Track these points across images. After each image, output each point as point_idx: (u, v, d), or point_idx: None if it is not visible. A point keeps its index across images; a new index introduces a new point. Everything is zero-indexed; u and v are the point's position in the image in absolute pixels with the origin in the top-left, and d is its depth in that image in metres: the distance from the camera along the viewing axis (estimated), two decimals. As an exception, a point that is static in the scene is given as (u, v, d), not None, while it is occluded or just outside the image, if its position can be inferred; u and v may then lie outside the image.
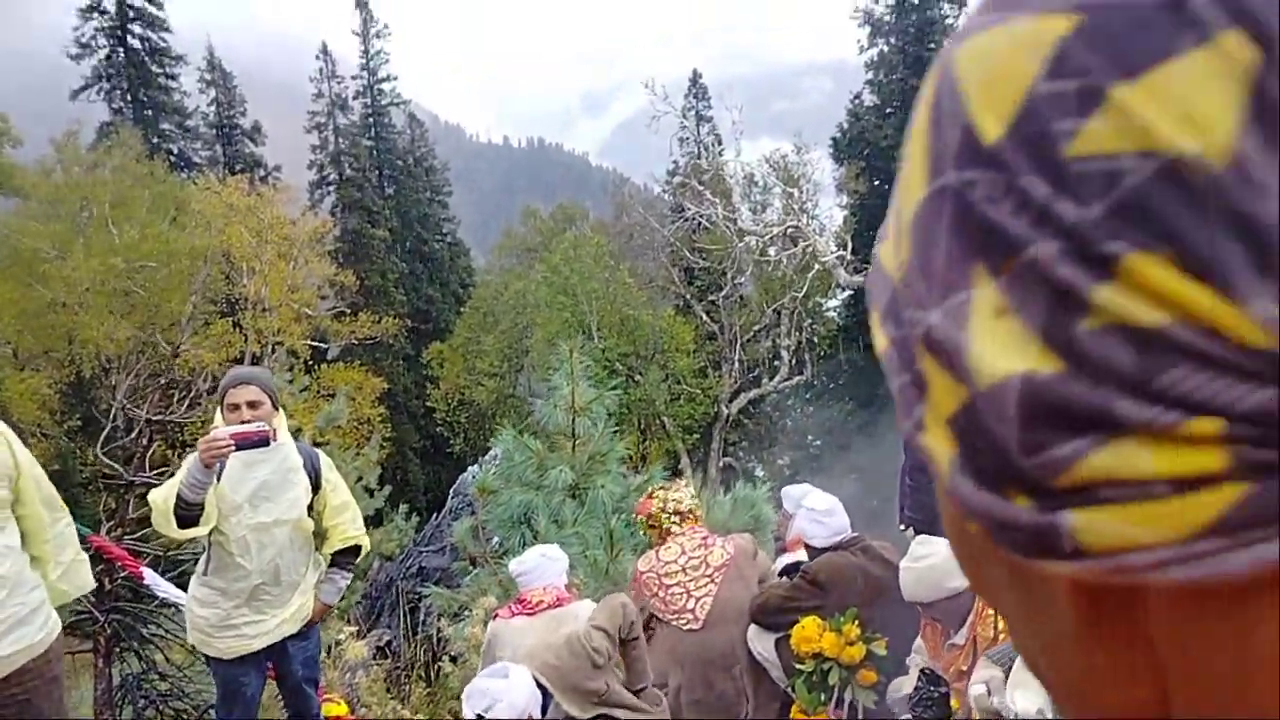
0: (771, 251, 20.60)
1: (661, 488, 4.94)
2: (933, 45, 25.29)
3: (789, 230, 18.31)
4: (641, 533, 4.86)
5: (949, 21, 26.87)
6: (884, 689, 3.97)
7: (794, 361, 23.27)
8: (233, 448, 3.49)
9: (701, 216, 20.60)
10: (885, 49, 26.81)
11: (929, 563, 3.42)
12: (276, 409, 3.87)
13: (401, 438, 30.36)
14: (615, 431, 6.58)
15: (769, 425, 26.51)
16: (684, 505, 4.70)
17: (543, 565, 4.63)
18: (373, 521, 18.99)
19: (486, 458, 9.90)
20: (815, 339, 24.70)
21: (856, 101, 27.16)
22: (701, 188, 20.78)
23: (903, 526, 4.31)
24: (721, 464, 23.07)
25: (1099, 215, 0.27)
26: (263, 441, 3.54)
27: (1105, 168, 0.28)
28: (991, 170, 0.30)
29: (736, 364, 23.53)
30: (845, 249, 19.96)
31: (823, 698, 3.75)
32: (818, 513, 4.27)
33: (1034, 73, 0.29)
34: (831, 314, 26.03)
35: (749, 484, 6.32)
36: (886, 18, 26.99)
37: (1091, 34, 0.28)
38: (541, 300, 22.94)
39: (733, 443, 25.24)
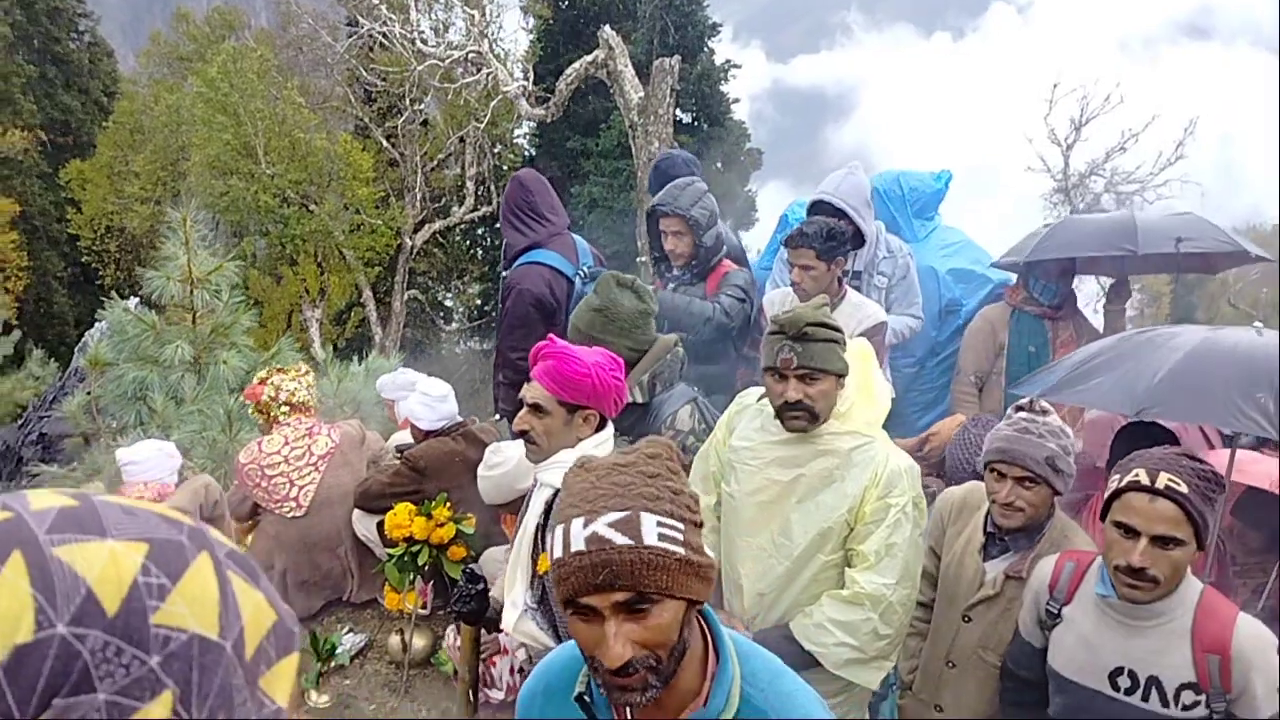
0: (454, 76, 19.79)
1: (279, 371, 4.90)
2: None
3: (470, 55, 17.56)
4: (251, 414, 4.82)
5: None
6: (476, 558, 4.37)
7: (481, 191, 22.89)
8: None
9: (378, 33, 19.18)
10: None
11: (502, 470, 3.76)
12: None
13: (43, 266, 26.96)
14: (240, 303, 6.31)
15: (459, 256, 26.19)
16: (297, 397, 4.71)
17: (155, 460, 4.54)
18: (11, 365, 17.05)
19: (96, 327, 9.12)
20: (503, 167, 24.38)
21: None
22: (377, 0, 19.30)
23: (497, 417, 4.63)
24: (407, 297, 22.70)
25: (156, 663, 0.52)
26: None
27: (164, 634, 0.53)
28: (105, 632, 0.52)
29: (420, 193, 22.80)
30: (528, 79, 19.58)
31: (412, 576, 4.05)
32: (431, 398, 4.47)
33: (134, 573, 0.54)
34: (521, 141, 25.69)
35: (380, 355, 6.37)
36: None
37: (156, 556, 0.55)
38: (198, 119, 20.51)
39: (420, 273, 24.78)
